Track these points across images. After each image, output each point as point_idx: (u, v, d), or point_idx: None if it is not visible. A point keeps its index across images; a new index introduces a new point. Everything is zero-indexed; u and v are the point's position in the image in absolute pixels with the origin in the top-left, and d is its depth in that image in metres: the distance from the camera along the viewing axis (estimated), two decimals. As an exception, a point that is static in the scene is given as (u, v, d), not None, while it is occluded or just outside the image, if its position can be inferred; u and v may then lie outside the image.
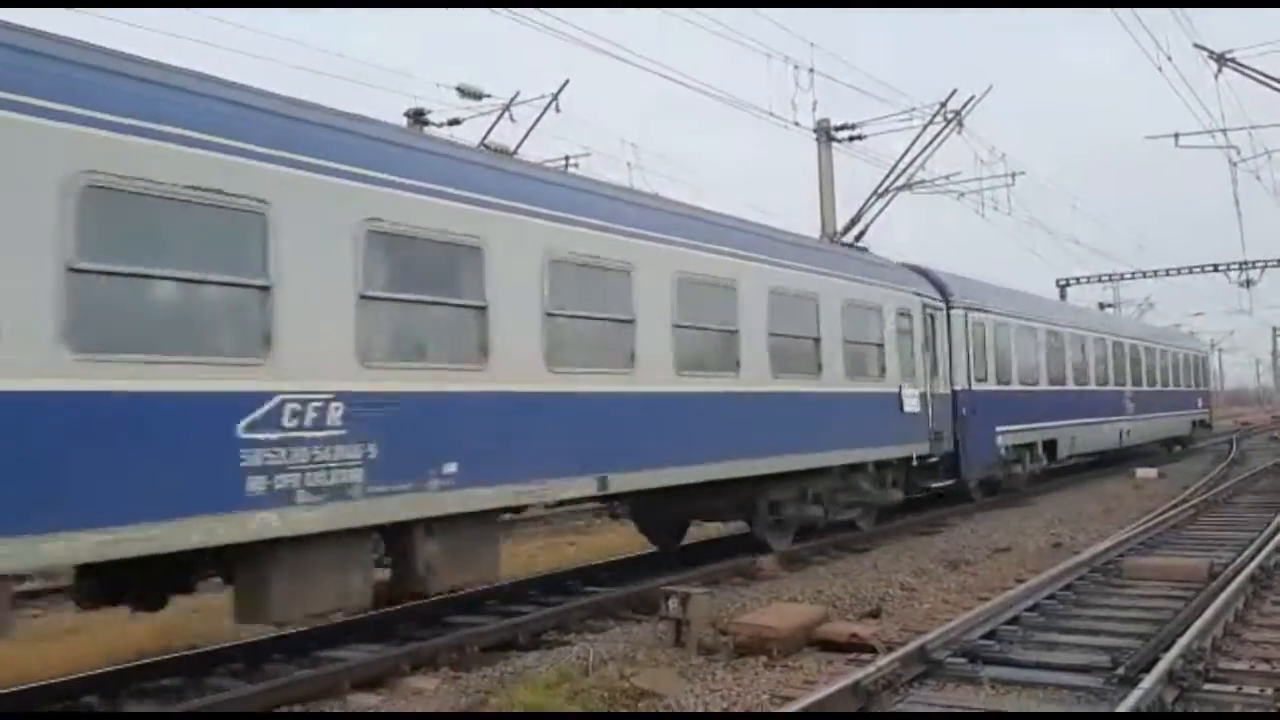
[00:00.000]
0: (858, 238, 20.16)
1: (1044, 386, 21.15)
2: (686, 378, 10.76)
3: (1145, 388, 28.74)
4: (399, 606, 9.99)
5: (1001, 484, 19.67)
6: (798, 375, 12.75)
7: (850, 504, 14.51)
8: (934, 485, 16.91)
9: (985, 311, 18.66)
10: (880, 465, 14.99)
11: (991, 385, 18.39)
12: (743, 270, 11.79)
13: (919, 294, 16.58)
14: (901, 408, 15.32)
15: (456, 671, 8.13)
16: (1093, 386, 24.22)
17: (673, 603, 8.67)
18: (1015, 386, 19.52)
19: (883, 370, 14.97)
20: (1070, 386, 22.77)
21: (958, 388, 17.29)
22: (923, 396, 16.01)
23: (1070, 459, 23.71)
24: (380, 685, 7.76)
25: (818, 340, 13.24)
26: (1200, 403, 37.03)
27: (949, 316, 17.46)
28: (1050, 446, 21.17)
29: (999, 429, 18.45)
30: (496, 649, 8.82)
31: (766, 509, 12.91)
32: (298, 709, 7.18)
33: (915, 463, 15.91)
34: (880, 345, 14.94)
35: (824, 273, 13.71)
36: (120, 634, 9.20)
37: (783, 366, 12.39)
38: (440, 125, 22.09)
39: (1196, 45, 18.14)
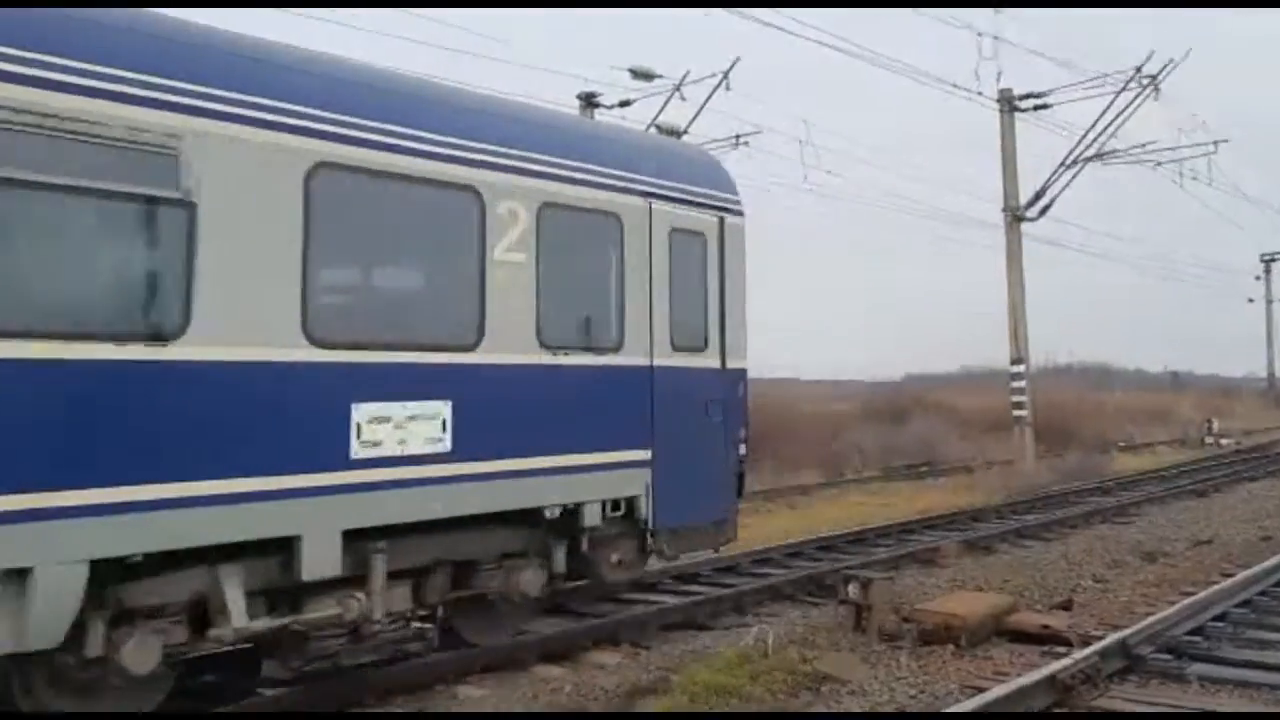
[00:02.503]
0: (1043, 212, 19.38)
1: None
2: None
3: None
4: (575, 584, 10.21)
5: None
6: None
7: None
8: None
9: None
10: None
11: None
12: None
13: None
14: None
15: (637, 648, 8.25)
16: None
17: (853, 587, 8.54)
18: None
19: None
20: None
21: None
22: None
23: None
24: (565, 659, 7.96)
25: None
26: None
27: None
28: None
29: None
30: (675, 628, 8.90)
31: None
32: (488, 680, 7.42)
33: None
34: None
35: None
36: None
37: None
38: (610, 107, 22.43)
39: None
